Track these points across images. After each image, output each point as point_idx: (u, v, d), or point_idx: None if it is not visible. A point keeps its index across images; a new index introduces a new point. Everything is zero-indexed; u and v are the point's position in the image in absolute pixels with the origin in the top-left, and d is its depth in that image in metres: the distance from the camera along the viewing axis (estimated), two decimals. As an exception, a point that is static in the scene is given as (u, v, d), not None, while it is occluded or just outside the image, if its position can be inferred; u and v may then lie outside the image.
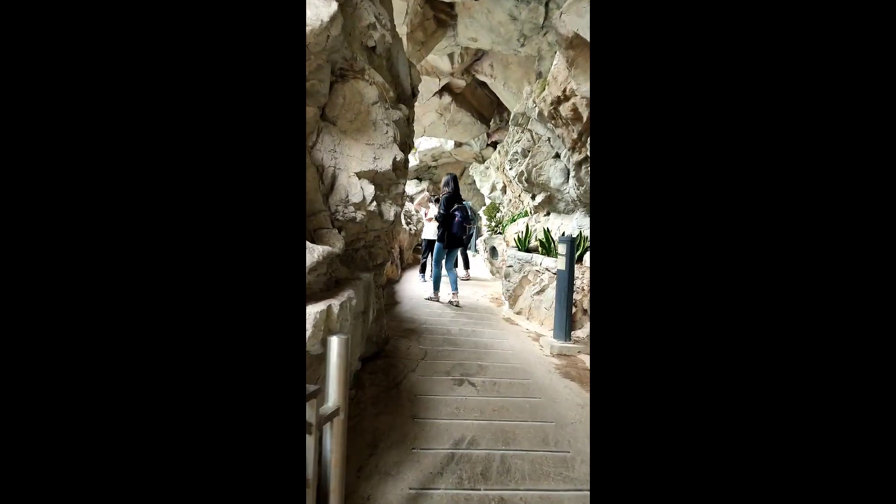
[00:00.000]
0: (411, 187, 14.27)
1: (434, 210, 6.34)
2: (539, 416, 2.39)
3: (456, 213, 5.11)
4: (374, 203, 1.86)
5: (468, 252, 7.51)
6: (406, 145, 2.46)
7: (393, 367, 2.97)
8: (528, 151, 4.90)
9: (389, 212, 2.07)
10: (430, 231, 6.40)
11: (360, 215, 1.81)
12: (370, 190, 1.84)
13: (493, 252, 7.54)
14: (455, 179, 5.31)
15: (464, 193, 14.18)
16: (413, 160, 13.64)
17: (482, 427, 2.21)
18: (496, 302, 5.52)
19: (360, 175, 1.82)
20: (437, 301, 5.30)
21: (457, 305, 5.06)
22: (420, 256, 6.76)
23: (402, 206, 2.16)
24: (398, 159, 2.00)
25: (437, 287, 5.37)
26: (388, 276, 6.22)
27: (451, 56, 6.97)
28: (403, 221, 9.03)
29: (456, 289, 5.19)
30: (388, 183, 2.03)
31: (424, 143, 12.95)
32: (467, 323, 4.30)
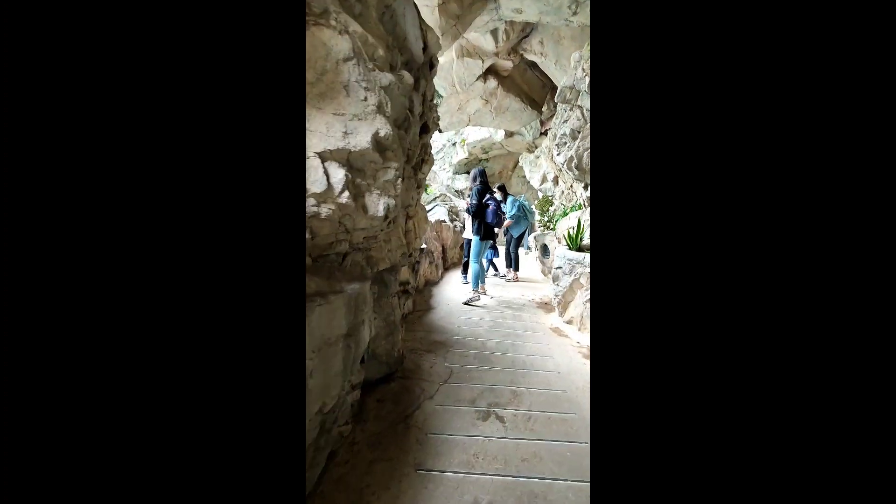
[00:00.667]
0: (461, 182, 13.82)
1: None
2: (584, 471, 1.84)
3: (489, 202, 4.98)
4: (347, 193, 1.42)
5: (520, 250, 6.91)
6: (408, 121, 1.99)
7: (408, 391, 2.53)
8: (579, 132, 4.25)
9: (377, 205, 1.62)
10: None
11: (325, 210, 1.37)
12: (339, 175, 1.40)
13: (545, 250, 6.89)
14: (483, 173, 5.14)
15: (517, 186, 13.52)
16: (462, 153, 13.19)
17: (504, 487, 1.71)
18: (545, 308, 4.93)
19: (323, 156, 1.38)
20: (479, 304, 4.94)
21: (467, 302, 4.90)
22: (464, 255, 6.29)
23: (398, 197, 1.69)
24: (383, 135, 1.54)
25: (476, 284, 5.05)
26: (425, 277, 5.82)
27: (494, 33, 6.39)
28: (448, 218, 8.60)
29: (483, 281, 5.04)
30: (370, 167, 1.58)
31: (473, 135, 12.47)
32: (507, 334, 3.77)
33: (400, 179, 1.68)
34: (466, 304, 4.87)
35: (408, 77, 1.99)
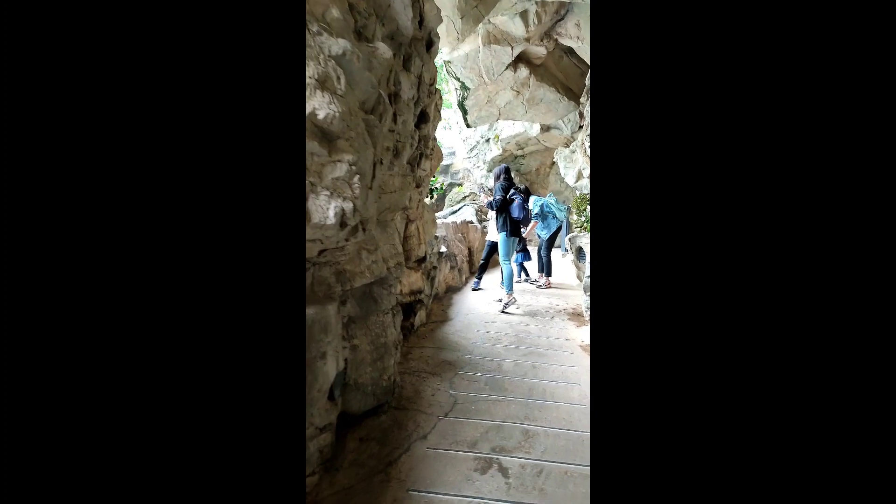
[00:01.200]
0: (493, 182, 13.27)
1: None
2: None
3: (515, 196, 4.74)
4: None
5: (557, 252, 6.39)
6: (382, 105, 1.62)
7: (399, 427, 2.17)
8: (616, 120, 3.73)
9: (326, 210, 1.26)
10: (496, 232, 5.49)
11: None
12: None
13: (580, 253, 6.34)
14: (507, 170, 5.00)
15: (555, 185, 12.90)
16: (496, 149, 12.70)
17: (492, 583, 1.31)
18: (577, 320, 4.43)
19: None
20: (515, 308, 4.66)
21: (504, 309, 4.58)
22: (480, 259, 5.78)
23: (360, 199, 1.33)
24: (323, 117, 1.18)
25: (510, 287, 4.69)
26: (447, 283, 5.45)
27: (523, 15, 5.91)
28: (476, 219, 8.18)
29: (511, 289, 4.67)
30: (313, 161, 1.22)
31: (507, 130, 11.96)
32: (529, 354, 3.34)
33: (358, 176, 1.31)
34: (503, 311, 4.54)
35: (384, 50, 1.62)
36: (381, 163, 1.88)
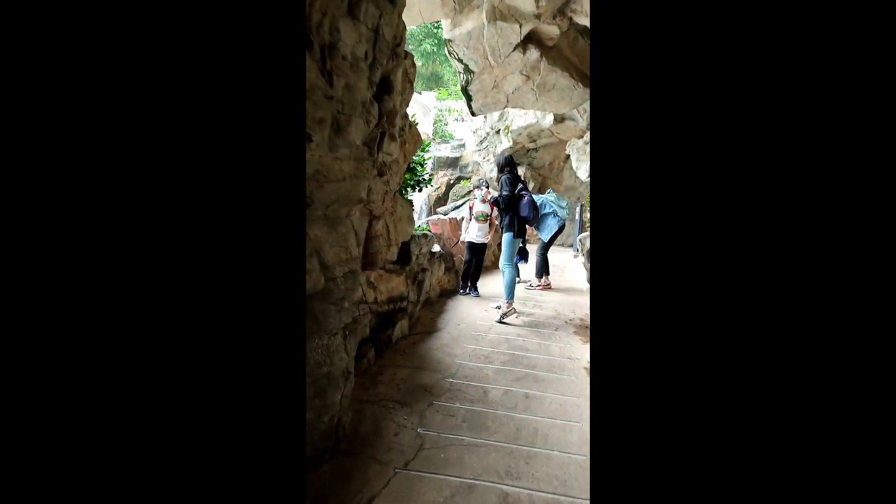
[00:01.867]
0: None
1: (479, 205, 5.04)
2: None
3: (523, 193, 4.26)
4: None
5: (547, 252, 5.82)
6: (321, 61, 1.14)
7: (341, 484, 1.71)
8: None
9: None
10: (476, 231, 5.02)
11: None
12: None
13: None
14: (511, 160, 4.49)
15: (570, 180, 12.31)
16: (506, 141, 12.13)
17: None
18: (584, 334, 3.92)
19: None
20: (514, 318, 4.17)
21: (502, 319, 4.07)
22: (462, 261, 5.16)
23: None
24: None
25: (510, 295, 4.20)
26: (441, 286, 4.97)
27: (533, -10, 5.36)
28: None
29: (511, 297, 4.20)
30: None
31: (518, 120, 11.37)
32: (523, 378, 2.84)
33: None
34: (501, 321, 4.04)
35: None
36: (309, 140, 1.41)
